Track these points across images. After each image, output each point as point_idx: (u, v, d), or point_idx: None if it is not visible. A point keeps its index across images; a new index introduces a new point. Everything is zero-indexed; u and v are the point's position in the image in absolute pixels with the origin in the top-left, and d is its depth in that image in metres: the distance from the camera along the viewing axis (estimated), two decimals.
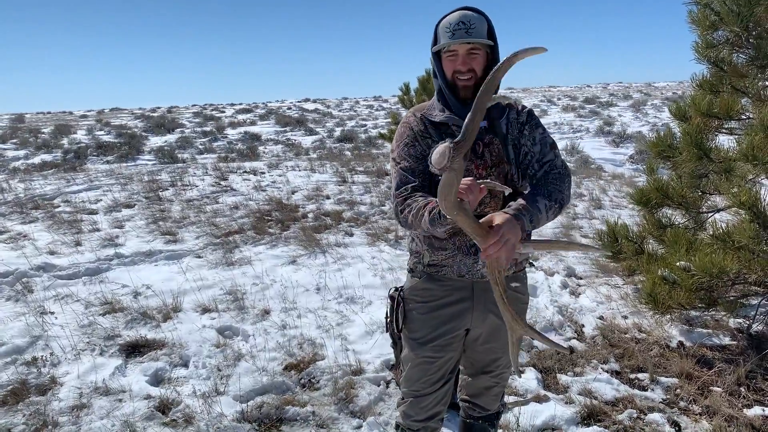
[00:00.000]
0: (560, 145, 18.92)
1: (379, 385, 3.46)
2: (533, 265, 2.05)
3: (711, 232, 3.93)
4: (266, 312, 4.50)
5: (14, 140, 21.43)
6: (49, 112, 41.89)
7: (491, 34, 1.96)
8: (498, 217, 1.69)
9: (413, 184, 1.95)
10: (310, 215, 7.43)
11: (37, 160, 16.89)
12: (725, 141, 4.18)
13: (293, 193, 8.70)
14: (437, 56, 2.01)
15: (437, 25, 1.99)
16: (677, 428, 3.07)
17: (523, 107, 2.06)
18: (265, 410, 3.18)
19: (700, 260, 3.68)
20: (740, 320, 4.36)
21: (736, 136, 4.08)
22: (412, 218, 1.88)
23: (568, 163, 2.22)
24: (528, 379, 3.55)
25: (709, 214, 4.39)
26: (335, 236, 6.51)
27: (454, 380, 2.27)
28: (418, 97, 9.54)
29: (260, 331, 4.15)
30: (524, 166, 1.99)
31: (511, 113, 2.02)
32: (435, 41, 2.00)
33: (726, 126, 4.20)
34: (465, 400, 2.29)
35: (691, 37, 4.19)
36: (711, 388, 3.46)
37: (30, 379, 3.40)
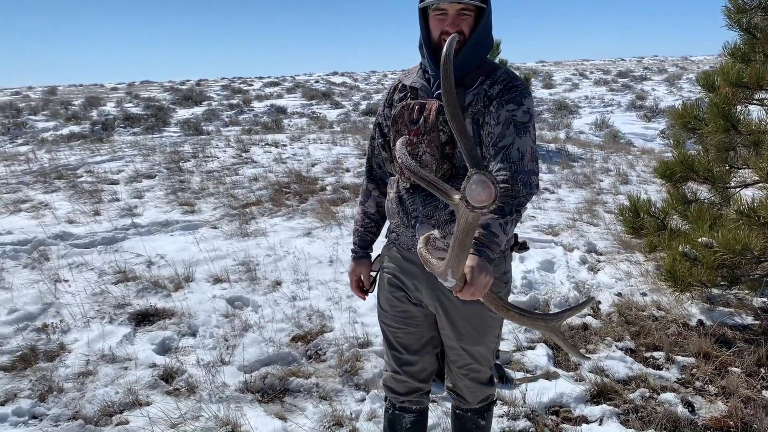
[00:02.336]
0: (590, 119, 18.47)
1: None
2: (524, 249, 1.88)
3: (736, 208, 3.76)
4: (278, 283, 4.48)
5: (45, 112, 21.80)
6: (81, 85, 42.42)
7: None
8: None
9: (369, 162, 2.18)
10: (329, 188, 7.38)
11: (65, 131, 17.17)
12: (755, 112, 3.97)
13: (313, 165, 8.64)
14: (424, 12, 1.81)
15: None
16: (690, 409, 2.96)
17: (507, 78, 1.79)
18: (269, 381, 3.16)
19: (723, 237, 3.53)
20: (765, 299, 4.20)
21: (767, 108, 3.88)
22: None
23: (537, 150, 1.88)
24: (538, 356, 3.48)
25: (736, 189, 4.21)
26: (352, 209, 6.45)
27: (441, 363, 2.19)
28: None
29: (270, 302, 4.14)
30: (485, 147, 1.77)
31: (485, 84, 1.79)
32: None
33: (756, 97, 3.99)
34: (449, 389, 2.18)
35: (722, 1, 3.98)
36: (729, 368, 3.33)
37: (39, 346, 3.43)
